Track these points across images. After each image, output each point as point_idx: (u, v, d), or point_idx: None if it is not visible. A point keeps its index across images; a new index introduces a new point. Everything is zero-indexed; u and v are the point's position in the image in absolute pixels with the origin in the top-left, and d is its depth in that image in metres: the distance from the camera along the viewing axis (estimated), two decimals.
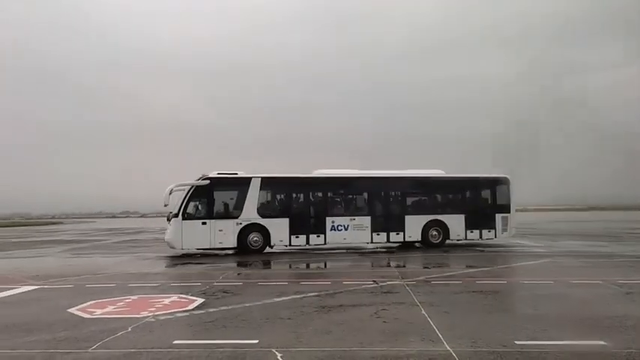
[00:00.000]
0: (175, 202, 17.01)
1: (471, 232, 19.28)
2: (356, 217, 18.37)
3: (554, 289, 9.46)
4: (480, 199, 20.30)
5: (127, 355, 5.38)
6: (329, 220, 18.10)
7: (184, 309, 7.79)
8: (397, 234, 18.65)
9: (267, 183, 17.95)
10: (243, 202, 17.48)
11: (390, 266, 13.66)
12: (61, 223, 72.82)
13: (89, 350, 5.56)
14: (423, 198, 20.05)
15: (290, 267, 14.40)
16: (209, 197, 17.23)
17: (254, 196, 17.59)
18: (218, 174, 17.51)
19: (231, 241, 17.16)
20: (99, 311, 7.72)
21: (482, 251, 17.53)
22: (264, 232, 17.47)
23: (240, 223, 17.28)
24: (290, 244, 17.81)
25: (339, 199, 19.32)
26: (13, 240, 30.04)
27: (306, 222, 18.08)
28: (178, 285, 10.49)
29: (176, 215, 16.88)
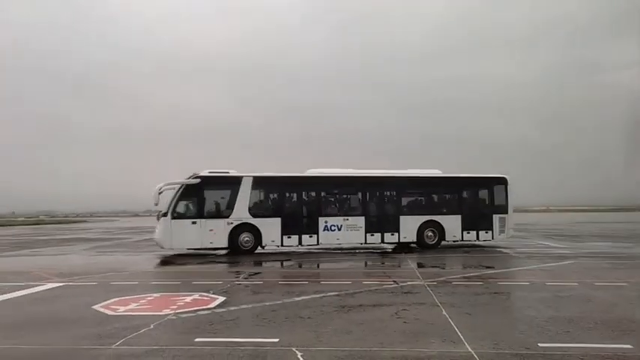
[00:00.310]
0: (166, 202, 16.89)
1: (468, 233, 18.86)
2: (349, 218, 18.04)
3: (578, 290, 9.30)
4: (477, 200, 19.82)
5: (150, 352, 5.45)
6: (322, 221, 17.76)
7: (206, 307, 7.87)
8: (392, 234, 18.30)
9: (258, 182, 17.70)
10: (235, 202, 17.22)
11: (409, 266, 13.58)
12: (85, 221, 74.12)
13: (112, 347, 5.65)
14: (419, 198, 19.76)
15: (309, 267, 14.42)
16: (199, 196, 16.97)
17: (245, 195, 17.33)
18: (209, 172, 17.28)
19: (222, 241, 16.91)
20: (122, 308, 7.84)
21: (504, 252, 17.31)
22: (256, 232, 17.19)
23: (231, 223, 17.01)
24: (282, 245, 17.49)
25: (332, 199, 19.03)
26: (41, 238, 30.67)
27: (299, 222, 17.75)
28: (199, 283, 10.59)
29: (165, 214, 16.68)
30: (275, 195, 18.48)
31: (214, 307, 7.85)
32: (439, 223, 18.72)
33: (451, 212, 19.11)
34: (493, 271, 12.05)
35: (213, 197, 17.38)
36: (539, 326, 6.46)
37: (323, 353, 5.32)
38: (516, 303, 8.10)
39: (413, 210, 19.08)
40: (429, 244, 18.55)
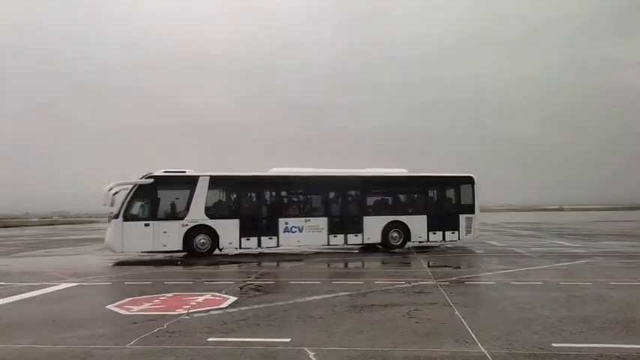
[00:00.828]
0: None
1: (434, 233, 18.35)
2: (311, 219, 17.42)
3: (592, 290, 9.21)
4: (443, 200, 19.37)
5: (163, 351, 5.49)
6: (282, 222, 17.13)
7: (218, 307, 7.90)
8: (355, 236, 17.68)
9: (216, 182, 17.03)
10: (190, 203, 16.52)
11: (421, 266, 13.55)
12: (98, 222, 74.77)
13: (127, 346, 5.70)
14: (383, 198, 19.26)
15: (322, 266, 14.44)
16: (153, 197, 16.25)
17: (201, 195, 16.65)
18: (164, 172, 16.58)
19: (177, 244, 16.16)
20: (136, 308, 7.91)
21: (516, 252, 17.19)
22: (212, 234, 16.53)
23: (186, 225, 16.31)
24: (240, 247, 16.84)
25: (293, 200, 18.47)
26: (55, 238, 31.00)
27: (258, 223, 17.13)
28: (212, 283, 10.65)
29: (116, 216, 15.91)
30: (233, 195, 17.79)
31: (226, 307, 7.88)
32: (404, 223, 18.21)
33: (417, 212, 18.59)
34: (506, 271, 11.97)
35: (167, 198, 16.68)
36: (553, 326, 6.41)
37: (335, 353, 5.33)
38: (530, 303, 8.04)
39: (377, 210, 18.56)
40: (394, 245, 18.04)
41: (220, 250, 16.97)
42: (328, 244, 17.59)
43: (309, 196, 18.61)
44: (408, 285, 9.92)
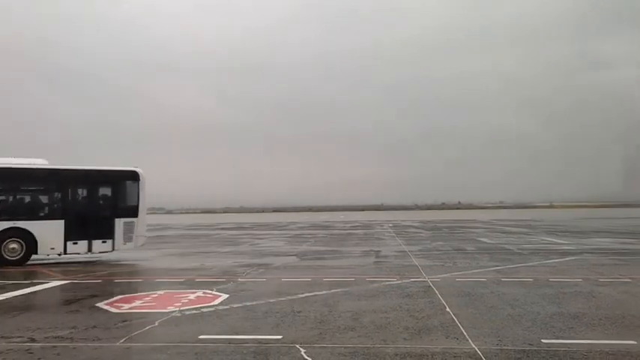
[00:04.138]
0: None
1: (75, 243, 14.32)
2: None
3: (582, 286, 9.29)
4: (93, 200, 15.41)
5: (154, 348, 5.48)
6: None
7: (209, 304, 7.88)
8: None
9: None
10: None
11: (412, 263, 13.57)
12: None
13: (117, 344, 5.68)
14: None
15: (311, 263, 14.42)
16: None
17: None
18: None
19: None
20: (126, 306, 7.88)
21: (507, 249, 17.28)
22: None
23: None
24: None
25: None
26: None
27: None
28: (203, 281, 10.62)
29: None
30: None
31: (218, 305, 7.87)
32: (28, 231, 13.80)
33: (49, 216, 14.49)
34: (497, 268, 12.03)
35: None
36: (543, 322, 6.46)
37: (326, 350, 5.33)
38: (520, 299, 8.09)
39: None
40: (11, 259, 13.55)
41: None
42: None
43: None
44: (400, 282, 9.92)
